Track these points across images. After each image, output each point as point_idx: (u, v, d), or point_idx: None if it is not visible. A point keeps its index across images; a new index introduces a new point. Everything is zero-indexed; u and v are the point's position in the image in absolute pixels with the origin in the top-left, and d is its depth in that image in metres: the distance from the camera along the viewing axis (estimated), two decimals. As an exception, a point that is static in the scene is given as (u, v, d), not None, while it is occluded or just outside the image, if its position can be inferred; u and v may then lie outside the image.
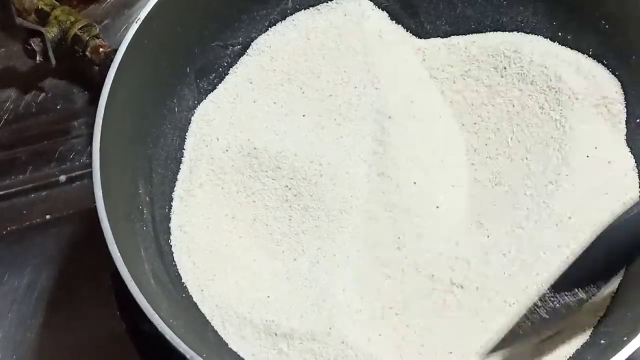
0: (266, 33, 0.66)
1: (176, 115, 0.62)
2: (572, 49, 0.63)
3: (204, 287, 0.57)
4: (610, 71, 0.61)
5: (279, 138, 0.62)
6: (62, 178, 0.72)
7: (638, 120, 0.59)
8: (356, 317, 0.55)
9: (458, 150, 0.62)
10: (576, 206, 0.56)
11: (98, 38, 0.72)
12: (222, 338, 0.55)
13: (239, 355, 0.55)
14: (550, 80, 0.61)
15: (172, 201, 0.61)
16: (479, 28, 0.66)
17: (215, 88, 0.65)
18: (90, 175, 0.53)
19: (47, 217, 0.70)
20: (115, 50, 0.57)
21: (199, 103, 0.64)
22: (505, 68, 0.63)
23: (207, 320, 0.56)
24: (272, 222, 0.60)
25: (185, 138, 0.63)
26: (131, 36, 0.57)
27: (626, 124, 0.60)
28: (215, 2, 0.63)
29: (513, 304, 0.54)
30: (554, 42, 0.63)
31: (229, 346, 0.55)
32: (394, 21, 0.67)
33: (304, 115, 0.63)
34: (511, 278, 0.55)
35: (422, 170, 0.60)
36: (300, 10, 0.66)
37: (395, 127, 0.62)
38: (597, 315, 0.54)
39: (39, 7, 0.73)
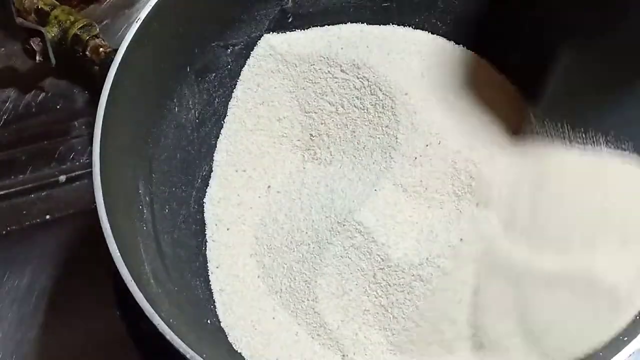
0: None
1: (176, 115, 0.62)
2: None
3: None
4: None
5: None
6: (62, 178, 0.71)
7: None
8: None
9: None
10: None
11: (98, 38, 0.72)
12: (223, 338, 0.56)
13: (240, 354, 0.55)
14: None
15: (172, 202, 0.61)
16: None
17: (215, 88, 0.65)
18: (90, 175, 0.53)
19: (47, 217, 0.70)
20: (115, 50, 0.57)
21: (199, 103, 0.64)
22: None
23: (207, 320, 0.56)
24: None
25: (185, 139, 0.63)
26: (131, 36, 0.57)
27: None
28: (215, 2, 0.63)
29: None
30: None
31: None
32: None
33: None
34: None
35: None
36: (301, 9, 0.67)
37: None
38: None
39: (39, 6, 0.73)
